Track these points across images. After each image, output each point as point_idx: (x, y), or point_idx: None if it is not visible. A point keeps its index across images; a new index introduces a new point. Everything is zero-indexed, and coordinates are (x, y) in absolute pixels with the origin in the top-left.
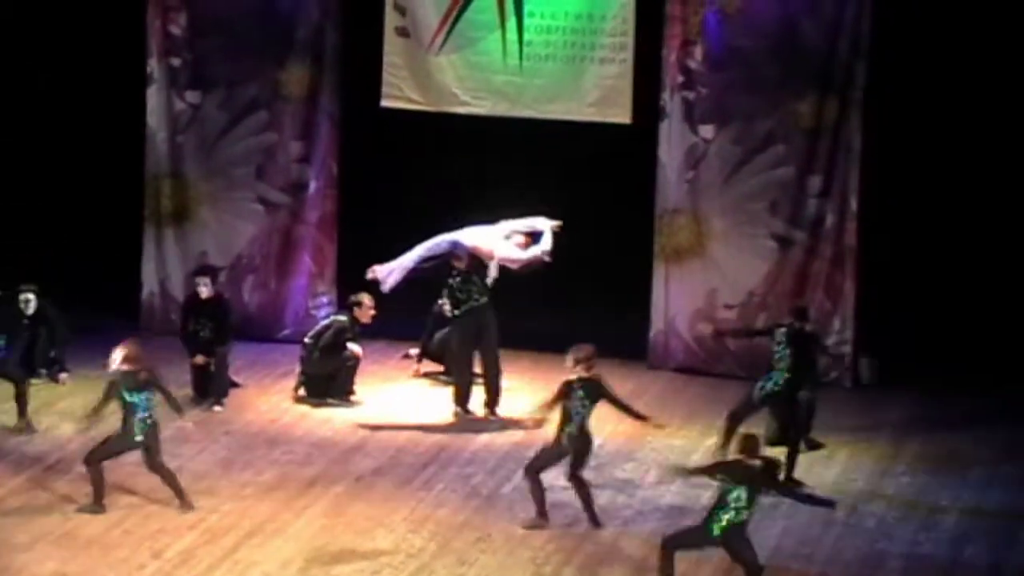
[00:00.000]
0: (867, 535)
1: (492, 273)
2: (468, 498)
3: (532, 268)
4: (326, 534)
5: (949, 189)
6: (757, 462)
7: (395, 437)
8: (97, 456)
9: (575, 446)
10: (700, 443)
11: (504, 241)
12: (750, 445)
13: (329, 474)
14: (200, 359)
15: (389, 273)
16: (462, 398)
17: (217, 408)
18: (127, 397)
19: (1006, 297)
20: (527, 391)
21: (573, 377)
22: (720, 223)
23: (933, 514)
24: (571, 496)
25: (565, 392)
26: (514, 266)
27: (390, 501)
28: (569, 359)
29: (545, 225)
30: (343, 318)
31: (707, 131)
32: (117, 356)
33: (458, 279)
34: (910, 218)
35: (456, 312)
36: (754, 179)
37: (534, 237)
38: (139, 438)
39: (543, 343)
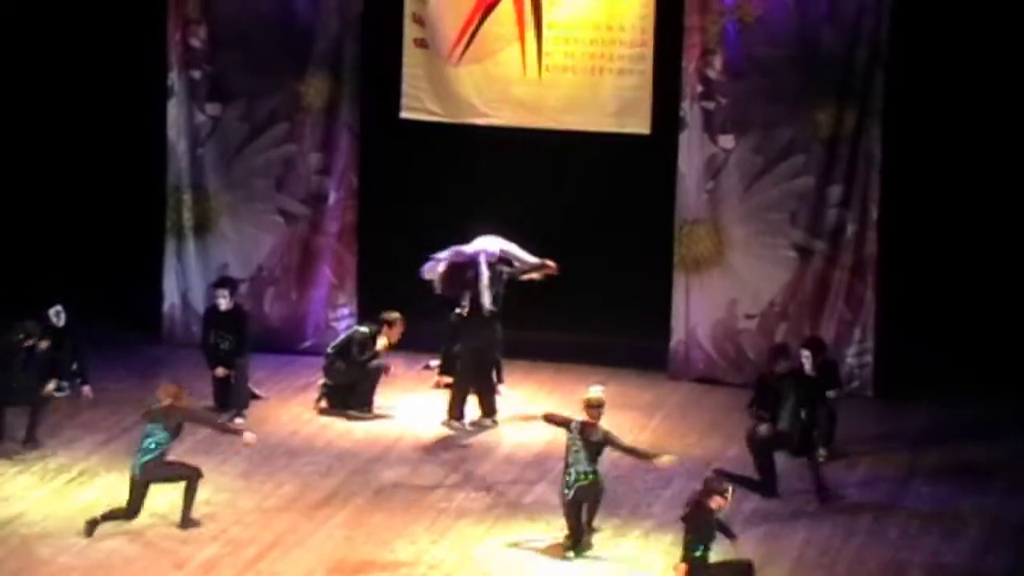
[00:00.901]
0: (889, 545)
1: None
2: (489, 509)
3: (543, 274)
4: (347, 545)
5: (969, 198)
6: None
7: (416, 448)
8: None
9: (578, 495)
10: (721, 453)
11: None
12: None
13: (350, 485)
14: (221, 371)
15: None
16: (488, 407)
17: (238, 420)
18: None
19: None
20: (546, 403)
21: (578, 419)
22: (740, 233)
23: (954, 524)
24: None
25: (566, 425)
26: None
27: (411, 512)
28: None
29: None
30: (364, 329)
31: (727, 141)
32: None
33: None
34: (930, 227)
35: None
36: (774, 189)
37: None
38: (136, 472)
39: (563, 355)
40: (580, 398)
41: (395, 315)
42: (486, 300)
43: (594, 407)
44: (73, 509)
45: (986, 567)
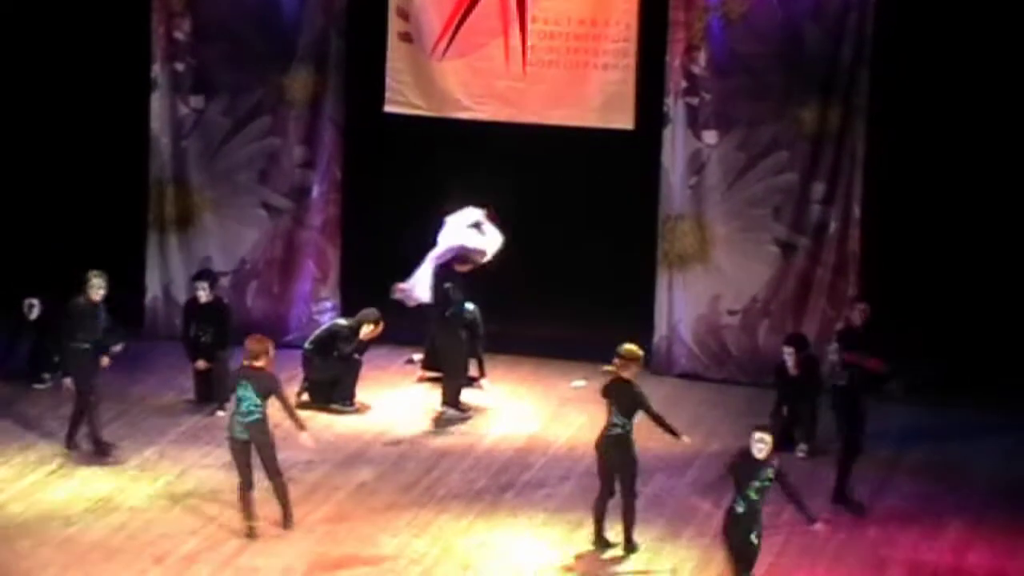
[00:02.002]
0: (870, 542)
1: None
2: (471, 503)
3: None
4: (329, 540)
5: (952, 196)
6: None
7: (398, 442)
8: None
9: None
10: (703, 449)
11: (481, 238)
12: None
13: (332, 480)
14: (201, 363)
15: (412, 289)
16: (455, 397)
17: (220, 413)
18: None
19: (1009, 306)
20: (529, 397)
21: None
22: (723, 229)
23: (935, 522)
24: (575, 501)
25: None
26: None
27: (393, 507)
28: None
29: (478, 215)
30: (343, 322)
31: (710, 137)
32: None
33: (451, 284)
34: (913, 225)
35: (448, 312)
36: (757, 185)
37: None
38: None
39: (545, 349)
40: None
41: (375, 313)
42: (421, 293)
43: (620, 358)
44: (54, 502)
45: (967, 565)
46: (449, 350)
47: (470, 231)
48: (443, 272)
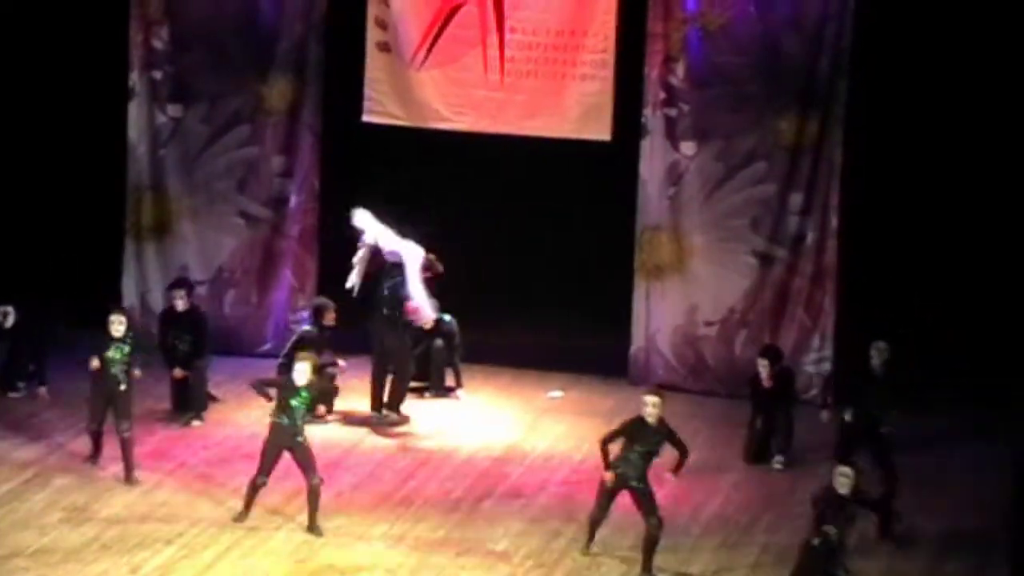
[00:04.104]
0: (846, 552)
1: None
2: (448, 513)
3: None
4: (305, 549)
5: (929, 206)
6: None
7: (375, 452)
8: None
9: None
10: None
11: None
12: None
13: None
14: (179, 372)
15: (420, 308)
16: (399, 401)
17: (196, 423)
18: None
19: (984, 317)
20: (506, 408)
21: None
22: (701, 240)
23: (911, 531)
24: (552, 511)
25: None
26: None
27: (369, 516)
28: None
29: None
30: (308, 328)
31: (688, 148)
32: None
33: (398, 280)
34: (890, 236)
35: (395, 316)
36: (735, 196)
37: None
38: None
39: (523, 360)
40: (538, 404)
41: (324, 299)
42: (428, 311)
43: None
44: (28, 511)
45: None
46: (398, 350)
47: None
48: (387, 272)
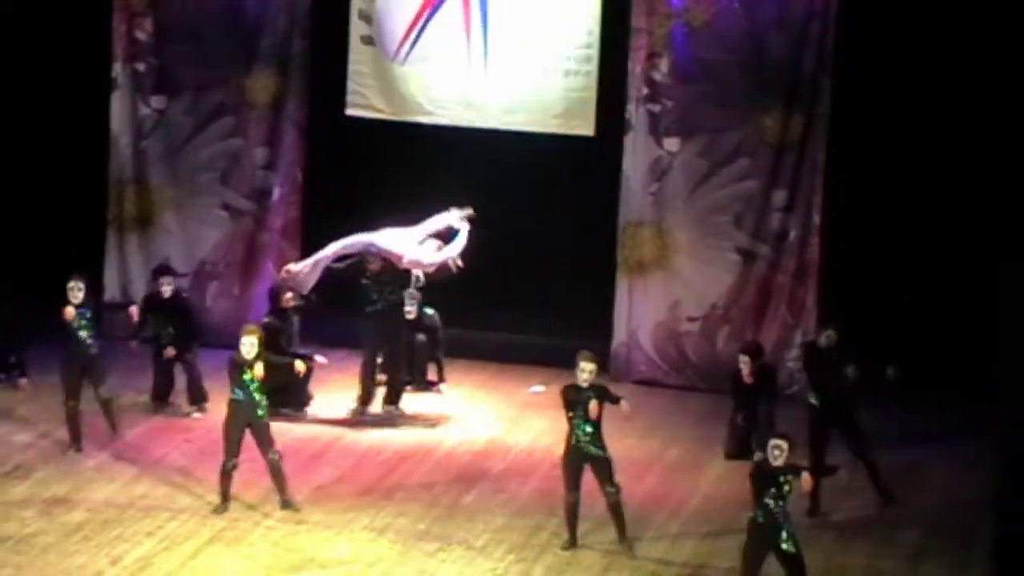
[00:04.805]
0: (825, 549)
1: (418, 276)
2: (429, 507)
3: (444, 274)
4: (286, 542)
5: (912, 205)
6: None
7: (356, 446)
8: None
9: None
10: (661, 455)
11: (416, 246)
12: None
13: (290, 482)
14: (171, 350)
15: (305, 273)
16: (363, 398)
17: (197, 415)
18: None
19: (968, 313)
20: (488, 402)
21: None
22: (684, 236)
23: (892, 529)
24: (534, 505)
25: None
26: (426, 271)
27: (350, 510)
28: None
29: (456, 219)
30: (268, 319)
31: (672, 144)
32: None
33: (369, 280)
34: (873, 233)
35: (365, 311)
36: (719, 192)
37: (449, 237)
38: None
39: (504, 354)
40: (520, 399)
41: (277, 282)
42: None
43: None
44: (9, 503)
45: (923, 573)
46: (398, 347)
47: (411, 240)
48: (388, 271)
